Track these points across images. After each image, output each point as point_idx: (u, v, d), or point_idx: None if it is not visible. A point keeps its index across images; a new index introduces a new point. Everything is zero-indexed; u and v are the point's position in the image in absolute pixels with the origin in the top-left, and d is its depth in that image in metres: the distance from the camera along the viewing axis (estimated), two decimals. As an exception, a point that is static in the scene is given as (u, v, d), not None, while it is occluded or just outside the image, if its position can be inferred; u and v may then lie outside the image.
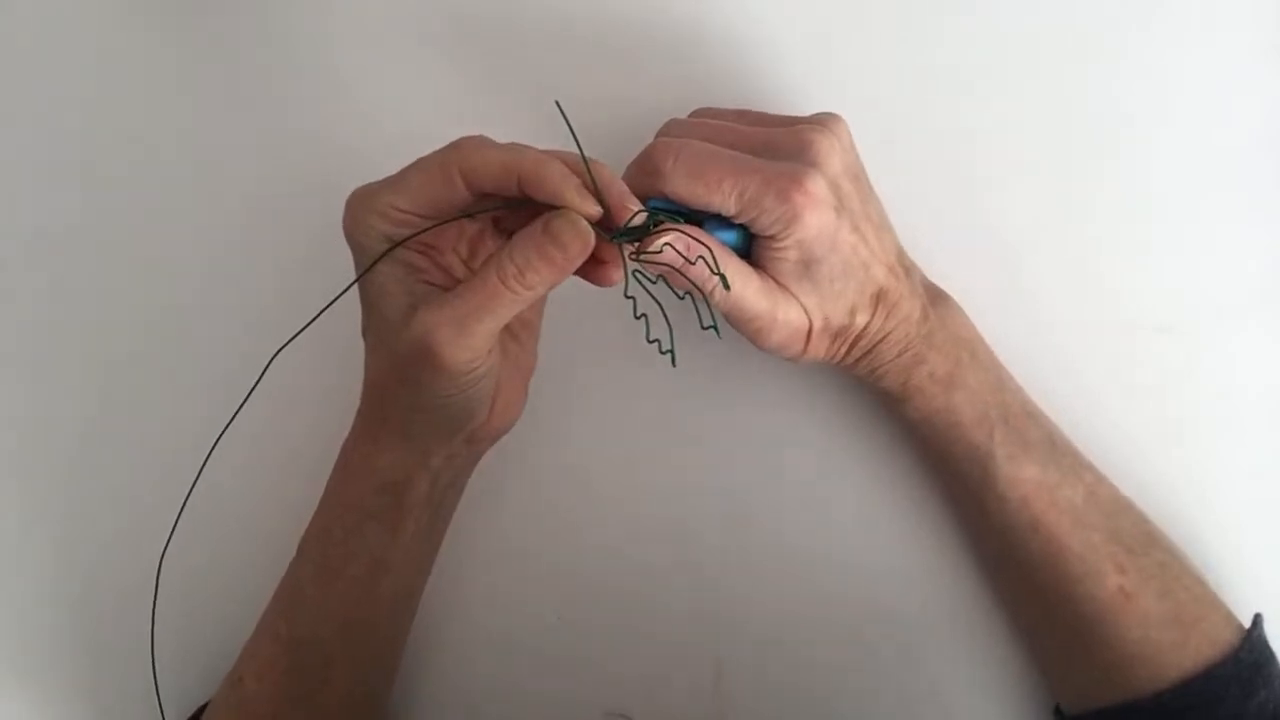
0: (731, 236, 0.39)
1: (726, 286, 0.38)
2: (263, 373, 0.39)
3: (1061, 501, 0.42)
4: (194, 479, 0.41)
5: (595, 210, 0.36)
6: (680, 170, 0.38)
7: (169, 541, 0.41)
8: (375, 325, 0.40)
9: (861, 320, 0.41)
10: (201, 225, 0.51)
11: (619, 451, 0.49)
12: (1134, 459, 0.46)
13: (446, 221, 0.37)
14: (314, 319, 0.39)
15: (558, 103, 0.36)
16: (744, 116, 0.43)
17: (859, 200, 0.40)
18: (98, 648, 0.50)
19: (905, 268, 0.43)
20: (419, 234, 0.37)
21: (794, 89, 0.49)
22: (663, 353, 0.37)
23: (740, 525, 0.48)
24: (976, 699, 0.47)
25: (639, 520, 0.49)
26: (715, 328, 0.37)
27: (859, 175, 0.41)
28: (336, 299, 0.39)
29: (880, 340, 0.42)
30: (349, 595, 0.42)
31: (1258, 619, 0.42)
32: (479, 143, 0.36)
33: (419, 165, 0.37)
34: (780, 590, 0.48)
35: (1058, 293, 0.48)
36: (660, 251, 0.37)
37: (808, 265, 0.39)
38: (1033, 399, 0.45)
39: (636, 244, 0.37)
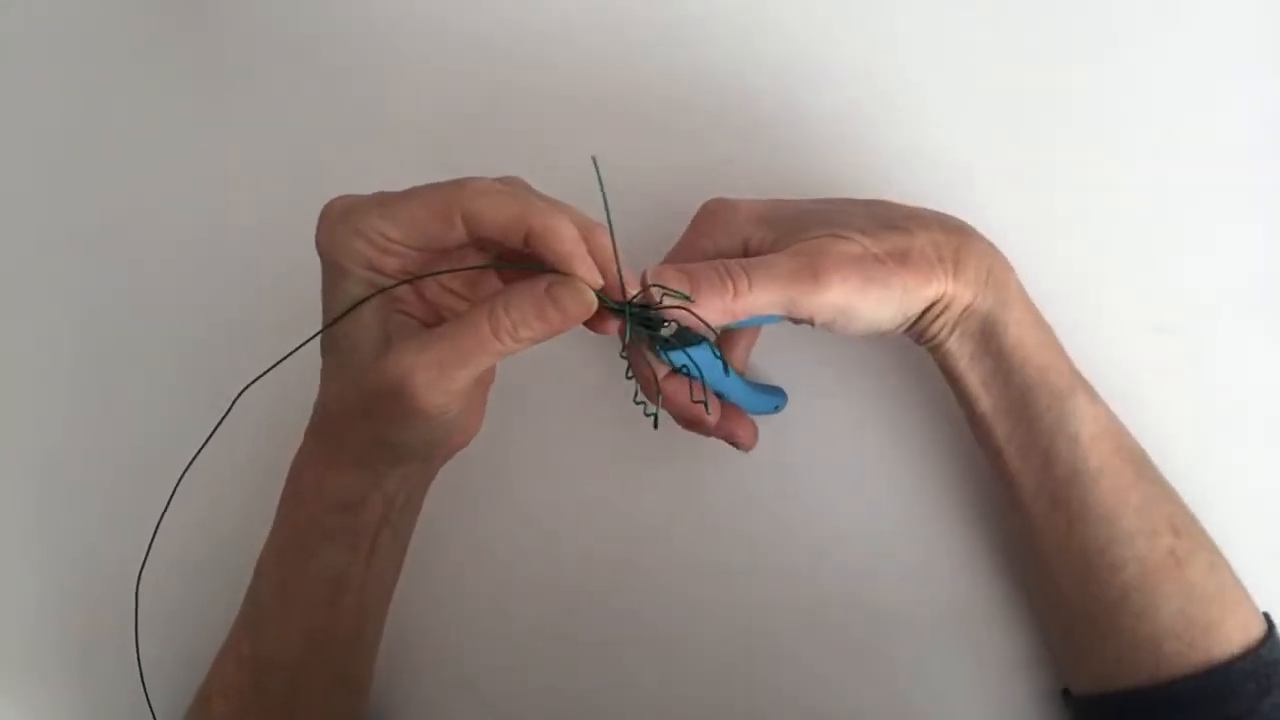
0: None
1: (707, 408, 0.40)
2: (230, 406, 0.38)
3: (1126, 448, 0.41)
4: (174, 488, 0.40)
5: (599, 283, 0.35)
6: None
7: (147, 556, 0.41)
8: (342, 351, 0.37)
9: (923, 235, 0.39)
10: (184, 244, 0.51)
11: (604, 456, 0.49)
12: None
13: (433, 274, 0.36)
14: (285, 358, 0.37)
15: (594, 158, 0.34)
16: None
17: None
18: (86, 659, 0.50)
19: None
20: (410, 280, 0.35)
21: (786, 97, 0.49)
22: (647, 415, 0.37)
23: (732, 526, 0.48)
24: (977, 691, 0.47)
25: (628, 528, 0.48)
26: (655, 417, 0.38)
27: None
28: (311, 339, 0.37)
29: (963, 248, 0.39)
30: (310, 615, 0.41)
31: (1269, 618, 0.41)
32: (487, 186, 0.34)
33: (418, 196, 0.34)
34: (776, 589, 0.47)
35: (1056, 293, 0.47)
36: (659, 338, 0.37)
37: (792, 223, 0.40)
38: None
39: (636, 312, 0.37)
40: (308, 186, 0.49)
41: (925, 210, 0.41)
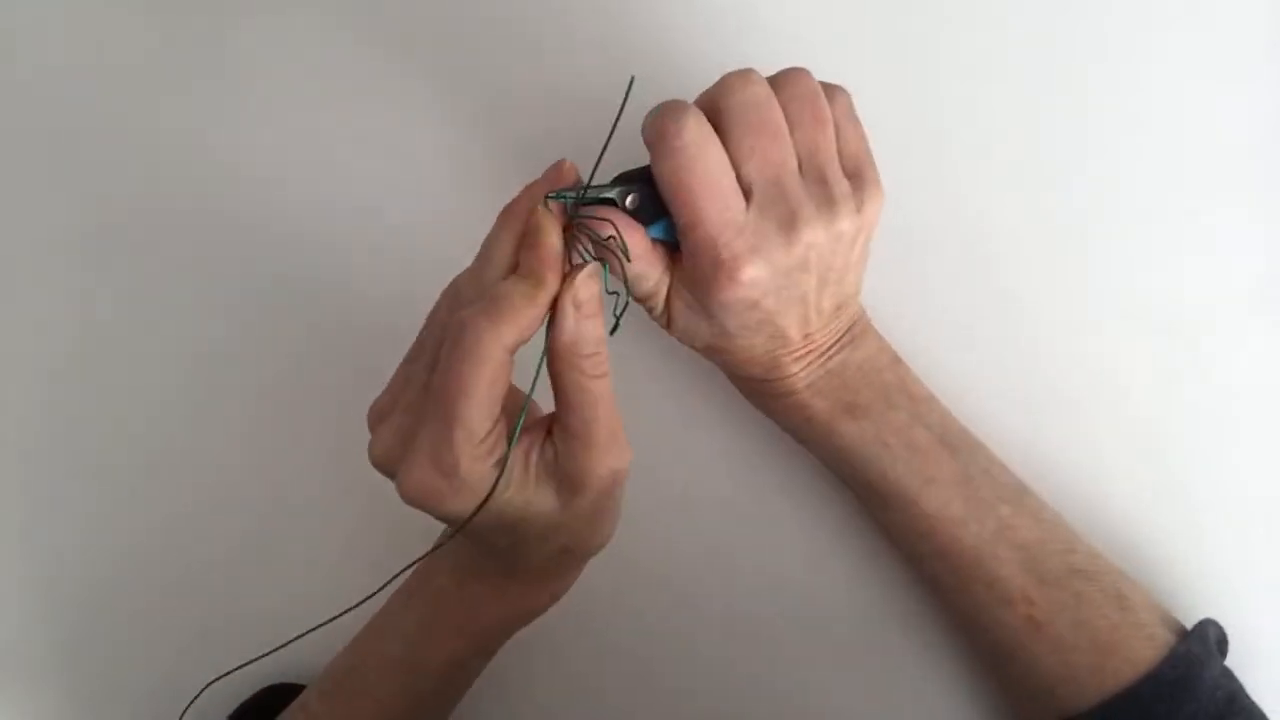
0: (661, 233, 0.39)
1: (627, 257, 0.36)
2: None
3: (966, 536, 0.41)
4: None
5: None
6: (669, 164, 0.36)
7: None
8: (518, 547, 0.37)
9: (740, 349, 0.40)
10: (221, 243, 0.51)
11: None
12: (1133, 459, 0.46)
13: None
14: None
15: (632, 77, 0.35)
16: (814, 125, 0.38)
17: (815, 288, 0.39)
18: (73, 663, 0.50)
19: (824, 331, 0.41)
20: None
21: None
22: (616, 314, 0.36)
23: (699, 536, 0.48)
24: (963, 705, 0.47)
25: None
26: (628, 301, 0.37)
27: (836, 261, 0.38)
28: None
29: (758, 385, 0.42)
30: (426, 705, 0.42)
31: (1197, 629, 0.41)
32: (489, 323, 0.32)
33: (464, 385, 0.32)
34: (753, 600, 0.47)
35: (1056, 293, 0.48)
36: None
37: (703, 309, 0.39)
38: (959, 425, 0.43)
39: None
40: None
41: (814, 349, 0.41)
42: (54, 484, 0.51)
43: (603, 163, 0.36)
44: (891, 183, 0.47)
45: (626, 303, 0.36)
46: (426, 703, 0.42)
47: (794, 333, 0.40)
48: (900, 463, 0.41)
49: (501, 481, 0.33)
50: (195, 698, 0.41)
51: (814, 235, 0.37)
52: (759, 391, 0.43)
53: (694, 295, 0.39)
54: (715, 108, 0.37)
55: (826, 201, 0.37)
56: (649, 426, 0.48)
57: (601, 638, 0.48)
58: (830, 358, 0.42)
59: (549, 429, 0.35)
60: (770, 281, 0.37)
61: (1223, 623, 0.42)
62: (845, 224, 0.37)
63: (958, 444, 0.43)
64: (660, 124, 0.36)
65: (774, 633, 0.47)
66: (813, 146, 0.38)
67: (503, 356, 0.32)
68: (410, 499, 0.33)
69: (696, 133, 0.36)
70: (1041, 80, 0.48)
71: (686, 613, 0.47)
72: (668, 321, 0.41)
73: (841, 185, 0.38)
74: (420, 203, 0.50)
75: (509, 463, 0.33)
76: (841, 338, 0.42)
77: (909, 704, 0.46)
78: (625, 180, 0.37)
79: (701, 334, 0.40)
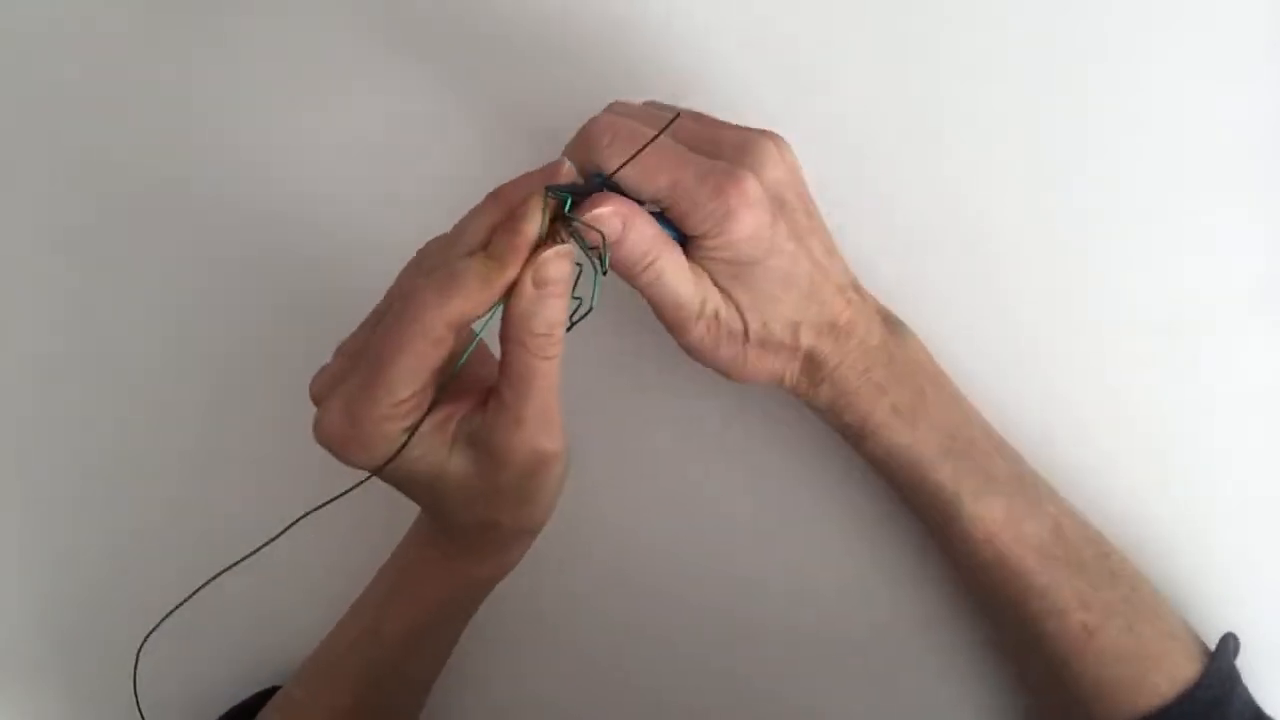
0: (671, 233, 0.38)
1: (604, 269, 0.35)
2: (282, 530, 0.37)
3: (1027, 536, 0.40)
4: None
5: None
6: (617, 151, 0.36)
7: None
8: (439, 500, 0.37)
9: (808, 339, 0.40)
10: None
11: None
12: (1133, 460, 0.46)
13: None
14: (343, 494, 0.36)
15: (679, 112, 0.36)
16: (689, 115, 0.40)
17: (804, 214, 0.39)
18: (74, 661, 0.50)
19: (859, 292, 0.42)
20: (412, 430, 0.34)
21: (764, 85, 0.49)
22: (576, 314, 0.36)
23: (713, 541, 0.48)
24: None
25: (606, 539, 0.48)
26: (591, 309, 0.36)
27: (802, 193, 0.39)
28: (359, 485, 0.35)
29: (836, 365, 0.41)
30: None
31: (1223, 645, 0.41)
32: (437, 296, 0.32)
33: (397, 348, 0.32)
34: (769, 611, 0.47)
35: (1056, 293, 0.48)
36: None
37: (740, 267, 0.38)
38: (996, 429, 0.43)
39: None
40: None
41: (860, 305, 0.41)
42: (54, 484, 0.51)
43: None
44: (892, 183, 0.47)
45: (590, 308, 0.36)
46: (386, 679, 0.42)
47: (824, 287, 0.39)
48: (967, 459, 0.41)
49: (412, 444, 0.34)
50: (137, 660, 0.41)
51: (766, 149, 0.37)
52: (836, 384, 0.41)
53: (725, 258, 0.37)
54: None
55: (748, 128, 0.38)
56: (645, 428, 0.49)
57: (594, 640, 0.48)
58: (880, 347, 0.41)
59: (486, 398, 0.35)
60: (766, 198, 0.37)
61: (1220, 624, 0.42)
62: (784, 146, 0.38)
63: (1000, 442, 0.43)
64: (590, 135, 0.36)
65: (768, 638, 0.47)
66: (692, 125, 0.38)
67: (442, 331, 0.32)
68: (319, 438, 0.34)
69: (613, 115, 0.37)
70: (1041, 80, 0.48)
71: (681, 617, 0.48)
72: (741, 319, 0.39)
73: (744, 128, 0.39)
74: (422, 200, 0.50)
75: (422, 424, 0.34)
76: (878, 322, 0.41)
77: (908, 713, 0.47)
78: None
79: (771, 309, 0.39)
